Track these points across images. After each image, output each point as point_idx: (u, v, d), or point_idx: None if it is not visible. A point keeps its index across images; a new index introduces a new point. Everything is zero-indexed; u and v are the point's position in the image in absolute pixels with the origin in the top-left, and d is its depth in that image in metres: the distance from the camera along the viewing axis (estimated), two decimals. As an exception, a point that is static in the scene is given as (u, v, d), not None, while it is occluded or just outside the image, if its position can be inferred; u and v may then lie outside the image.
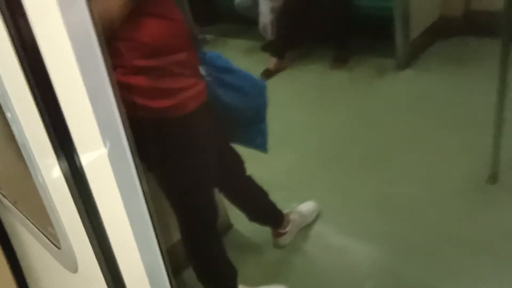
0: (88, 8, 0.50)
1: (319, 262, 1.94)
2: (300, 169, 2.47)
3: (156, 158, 1.43)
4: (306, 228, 2.09)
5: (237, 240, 2.11)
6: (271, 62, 3.46)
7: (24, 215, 1.14)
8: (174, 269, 0.75)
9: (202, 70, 1.46)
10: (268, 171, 2.22)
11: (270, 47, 3.61)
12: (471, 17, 3.19)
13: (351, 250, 1.96)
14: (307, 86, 3.28)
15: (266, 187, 1.89)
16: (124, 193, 0.62)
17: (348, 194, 2.23)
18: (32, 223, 1.09)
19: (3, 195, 1.22)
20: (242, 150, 1.75)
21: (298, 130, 2.80)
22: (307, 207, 2.13)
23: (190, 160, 1.46)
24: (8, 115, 0.77)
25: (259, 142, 1.72)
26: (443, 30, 3.24)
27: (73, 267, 0.93)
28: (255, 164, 1.85)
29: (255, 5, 3.60)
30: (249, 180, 1.84)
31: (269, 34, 3.58)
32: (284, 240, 2.02)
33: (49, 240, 0.99)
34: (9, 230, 1.42)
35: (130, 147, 0.60)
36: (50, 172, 0.76)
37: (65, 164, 0.66)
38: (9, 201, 1.20)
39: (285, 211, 2.03)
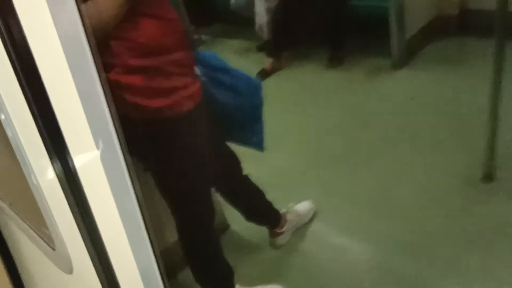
0: (77, 9, 0.50)
1: (316, 261, 1.94)
2: (296, 168, 2.47)
3: (152, 158, 1.43)
4: (302, 227, 2.09)
5: (234, 240, 2.11)
6: (267, 62, 3.46)
7: (19, 217, 1.14)
8: (169, 271, 0.75)
9: (197, 70, 1.46)
10: (264, 170, 2.22)
11: (266, 47, 3.61)
12: (466, 16, 3.20)
13: (348, 249, 1.96)
14: (303, 85, 3.29)
15: (262, 186, 1.90)
16: (116, 194, 0.62)
17: (345, 193, 2.23)
18: (27, 224, 1.09)
19: (-2, 197, 1.22)
20: (238, 149, 1.75)
21: (295, 130, 2.80)
22: (303, 206, 2.13)
23: (186, 160, 1.46)
24: (2, 117, 0.77)
25: (255, 141, 1.72)
26: (439, 29, 3.25)
27: (68, 268, 0.93)
28: (252, 163, 1.85)
29: (251, 5, 3.60)
30: (246, 180, 1.84)
31: (265, 34, 3.58)
32: (281, 239, 2.02)
33: (44, 241, 0.99)
34: (4, 232, 1.42)
35: (122, 148, 0.60)
36: (44, 173, 0.76)
37: (59, 165, 0.66)
38: (4, 203, 1.20)
39: (281, 210, 2.03)
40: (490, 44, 1.85)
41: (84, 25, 0.51)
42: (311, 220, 2.12)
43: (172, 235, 1.69)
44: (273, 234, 2.02)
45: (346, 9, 3.29)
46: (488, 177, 2.06)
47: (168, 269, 0.73)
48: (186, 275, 1.74)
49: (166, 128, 1.40)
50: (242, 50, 3.94)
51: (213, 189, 1.77)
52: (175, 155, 1.44)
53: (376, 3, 3.18)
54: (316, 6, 3.25)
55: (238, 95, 1.56)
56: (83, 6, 0.52)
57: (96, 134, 0.58)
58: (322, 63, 3.38)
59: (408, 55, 3.13)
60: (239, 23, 3.92)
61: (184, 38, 1.39)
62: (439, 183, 2.14)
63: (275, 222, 2.00)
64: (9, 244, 1.45)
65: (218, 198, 1.92)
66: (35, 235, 1.04)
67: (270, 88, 2.86)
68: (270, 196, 1.94)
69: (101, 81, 0.55)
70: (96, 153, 0.60)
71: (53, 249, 0.94)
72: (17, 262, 1.50)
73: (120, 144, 0.60)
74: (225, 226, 2.15)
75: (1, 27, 0.54)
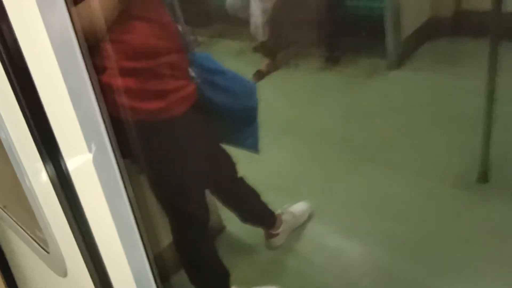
0: (68, 12, 0.50)
1: (312, 263, 1.94)
2: (292, 169, 2.47)
3: (146, 160, 1.43)
4: (298, 228, 2.09)
5: (230, 241, 2.11)
6: (263, 63, 3.46)
7: (13, 220, 1.14)
8: (163, 273, 0.75)
9: (192, 72, 1.46)
10: (260, 172, 2.21)
11: (262, 48, 3.61)
12: (461, 17, 3.21)
13: (345, 250, 1.96)
14: (299, 86, 3.29)
15: (258, 188, 1.89)
16: (109, 197, 0.62)
17: (340, 194, 2.23)
18: (21, 227, 1.09)
19: (-8, 200, 1.22)
20: (233, 151, 1.75)
21: (290, 131, 2.80)
22: (299, 207, 2.13)
23: (180, 162, 1.46)
24: (-6, 120, 0.77)
25: (250, 143, 1.72)
26: (434, 30, 3.26)
27: (62, 272, 0.92)
28: (247, 165, 1.85)
29: (247, 6, 3.60)
30: (241, 182, 1.83)
31: (260, 35, 3.58)
32: (277, 241, 2.02)
33: (38, 244, 0.99)
34: (-1, 235, 1.42)
35: (114, 151, 0.60)
36: (37, 176, 0.75)
37: (52, 168, 0.66)
38: (-2, 206, 1.19)
39: (277, 212, 2.03)
40: (484, 44, 1.86)
41: (75, 28, 0.51)
42: (307, 221, 2.12)
43: (166, 238, 1.69)
44: (269, 236, 2.02)
45: (342, 9, 3.30)
46: (483, 177, 2.07)
47: (162, 272, 0.73)
48: (180, 278, 1.74)
49: (160, 130, 1.40)
50: (238, 51, 3.94)
51: (208, 191, 1.77)
52: (169, 158, 1.44)
53: (372, 4, 3.19)
54: (312, 6, 3.25)
55: (232, 97, 1.55)
56: (74, 9, 0.52)
57: (89, 137, 0.58)
58: (317, 63, 3.39)
59: (404, 55, 3.14)
60: (235, 24, 3.92)
61: (178, 41, 1.39)
62: (434, 184, 2.14)
63: (270, 223, 2.00)
64: (3, 247, 1.44)
65: (213, 200, 1.91)
66: (29, 238, 1.03)
67: (266, 89, 2.87)
68: (266, 197, 1.94)
69: (92, 84, 0.55)
70: (89, 156, 0.60)
71: (47, 252, 0.94)
72: (11, 265, 1.49)
73: (113, 147, 0.60)
74: (221, 228, 2.15)
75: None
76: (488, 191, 2.03)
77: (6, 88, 0.61)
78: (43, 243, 0.96)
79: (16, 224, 1.12)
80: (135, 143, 1.32)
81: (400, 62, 3.12)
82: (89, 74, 0.54)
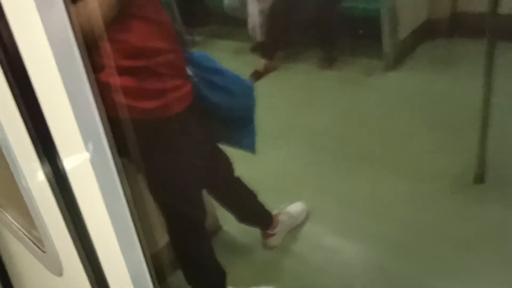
0: (66, 10, 0.50)
1: (309, 263, 1.94)
2: (289, 170, 2.47)
3: (143, 159, 1.43)
4: (295, 229, 2.09)
5: (226, 241, 2.11)
6: (260, 63, 3.46)
7: (9, 219, 1.13)
8: (160, 273, 0.75)
9: (189, 71, 1.46)
10: (257, 172, 2.21)
11: (259, 48, 3.61)
12: (458, 18, 3.22)
13: (341, 250, 1.96)
14: (296, 87, 3.29)
15: (255, 188, 1.89)
16: (106, 197, 0.62)
17: (337, 195, 2.23)
18: (17, 226, 1.09)
19: (-13, 199, 1.21)
20: (230, 151, 1.75)
21: (287, 131, 2.80)
22: (296, 208, 2.13)
23: (177, 161, 1.46)
24: (-9, 118, 0.77)
25: (247, 143, 1.72)
26: (431, 31, 3.27)
27: (58, 271, 0.92)
28: (244, 165, 1.85)
29: (244, 6, 3.60)
30: (238, 181, 1.83)
31: (258, 36, 3.59)
32: (274, 241, 2.02)
33: (34, 243, 0.98)
34: (-6, 234, 1.41)
35: (112, 150, 0.60)
36: (34, 176, 0.75)
37: (48, 168, 0.66)
38: (-6, 205, 1.19)
39: (274, 212, 2.03)
40: (481, 46, 1.86)
41: (73, 26, 0.51)
42: (304, 221, 2.12)
43: (162, 238, 1.69)
44: (266, 236, 2.02)
45: (338, 10, 3.30)
46: (480, 178, 2.07)
47: (158, 272, 0.72)
48: (177, 278, 1.73)
49: (157, 129, 1.39)
50: (235, 51, 3.94)
51: (204, 191, 1.77)
52: (166, 157, 1.44)
53: (369, 5, 3.19)
54: (309, 7, 3.25)
55: (230, 96, 1.55)
56: (72, 8, 0.52)
57: (86, 136, 0.58)
58: (314, 64, 3.39)
59: (400, 56, 3.15)
60: (233, 24, 3.92)
61: (176, 40, 1.39)
62: (430, 185, 2.14)
63: (267, 223, 2.00)
64: (0, 246, 1.44)
65: (210, 200, 1.91)
66: (25, 237, 1.03)
67: (263, 89, 2.86)
68: (263, 197, 1.94)
69: (90, 83, 0.55)
70: (86, 156, 0.60)
71: (43, 251, 0.93)
72: (6, 264, 1.49)
73: (110, 146, 0.59)
74: (218, 228, 2.15)
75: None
76: (485, 192, 2.04)
77: (3, 87, 0.60)
78: (38, 242, 0.95)
79: (11, 223, 1.11)
80: (132, 142, 1.32)
81: (396, 63, 3.13)
82: (87, 73, 0.54)
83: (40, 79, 0.57)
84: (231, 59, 3.77)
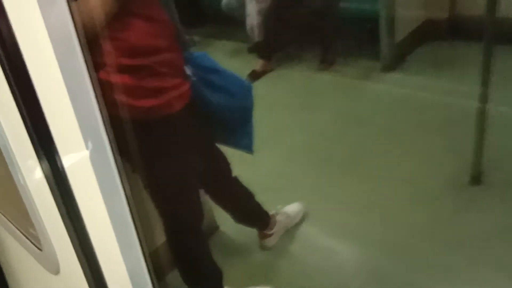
0: (68, 7, 0.50)
1: (305, 263, 1.95)
2: (286, 170, 2.47)
3: (140, 158, 1.42)
4: (292, 229, 2.10)
5: (223, 241, 2.11)
6: (258, 63, 3.47)
7: (5, 217, 1.13)
8: (158, 272, 0.74)
9: (188, 70, 1.46)
10: (254, 172, 2.21)
11: (257, 49, 3.61)
12: (455, 21, 3.23)
13: (337, 251, 1.97)
14: (293, 87, 3.29)
15: (252, 188, 1.89)
16: (106, 195, 0.62)
17: (334, 196, 2.24)
18: (13, 224, 1.08)
19: (-16, 197, 1.20)
20: (228, 151, 1.75)
21: (284, 132, 2.81)
22: (293, 208, 2.13)
23: (174, 161, 1.45)
24: (-12, 115, 0.76)
25: (244, 143, 1.71)
26: (428, 33, 3.28)
27: (55, 269, 0.91)
28: (241, 165, 1.85)
29: (243, 6, 3.60)
30: (235, 182, 1.83)
31: (256, 36, 3.59)
32: (270, 241, 2.02)
33: (30, 241, 0.98)
34: (-10, 232, 1.40)
35: (112, 148, 0.59)
36: (32, 173, 0.75)
37: (47, 165, 0.65)
38: (-10, 203, 1.18)
39: (271, 212, 2.03)
40: (478, 48, 1.87)
41: (75, 24, 0.51)
42: (300, 222, 2.12)
43: (160, 236, 1.68)
44: (262, 236, 2.02)
45: (336, 11, 3.31)
46: (476, 180, 2.08)
47: (156, 271, 0.72)
48: (175, 277, 1.73)
49: (154, 128, 1.39)
50: (233, 51, 3.94)
51: (202, 191, 1.76)
52: (164, 156, 1.43)
53: (367, 6, 3.20)
54: (307, 8, 3.26)
55: (228, 96, 1.55)
56: (73, 5, 0.52)
57: (86, 133, 0.58)
58: (312, 65, 3.39)
59: (398, 58, 3.16)
60: (231, 24, 3.92)
61: (175, 39, 1.39)
62: (427, 186, 2.15)
63: (264, 224, 2.00)
64: (-5, 244, 1.43)
65: (207, 200, 1.91)
66: (21, 235, 1.02)
67: (261, 90, 2.86)
68: (260, 198, 1.94)
69: (91, 80, 0.54)
70: (85, 153, 0.60)
71: (40, 249, 0.93)
72: (2, 262, 1.48)
73: (110, 144, 0.59)
74: (215, 228, 2.15)
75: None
76: (481, 194, 2.05)
77: (3, 83, 0.60)
78: (35, 240, 0.95)
79: (8, 221, 1.11)
80: (130, 140, 1.32)
81: (394, 65, 3.14)
82: (88, 70, 0.53)
83: (40, 76, 0.57)
84: (229, 59, 3.78)
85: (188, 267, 1.70)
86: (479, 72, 1.89)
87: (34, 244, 0.96)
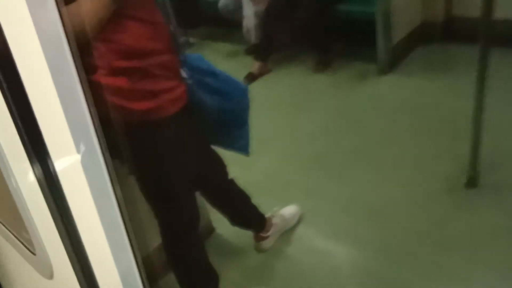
0: (58, 11, 0.49)
1: (302, 266, 1.94)
2: (282, 172, 2.47)
3: (136, 161, 1.42)
4: (288, 231, 2.09)
5: (219, 244, 2.10)
6: (254, 65, 3.47)
7: (-1, 220, 1.12)
8: (151, 277, 0.74)
9: (184, 73, 1.45)
10: (250, 174, 2.22)
11: (254, 51, 3.62)
12: (451, 23, 3.24)
13: (333, 253, 1.96)
14: (290, 89, 3.30)
15: (248, 190, 1.89)
16: (97, 198, 0.61)
17: (330, 197, 2.24)
18: (6, 228, 1.07)
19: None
20: (224, 153, 1.74)
21: (281, 134, 2.81)
22: (289, 210, 2.13)
23: (170, 163, 1.45)
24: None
25: (241, 145, 1.71)
26: (425, 36, 3.29)
27: (48, 273, 0.91)
28: (238, 167, 1.85)
29: (239, 8, 3.60)
30: (231, 184, 1.83)
31: (252, 38, 3.59)
32: (266, 243, 2.02)
33: (24, 245, 0.97)
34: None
35: (103, 152, 0.59)
36: (24, 177, 0.74)
37: (39, 169, 0.65)
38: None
39: (267, 214, 2.03)
40: (474, 50, 1.87)
41: (64, 27, 0.50)
42: (297, 224, 2.12)
43: (154, 240, 1.68)
44: (258, 238, 2.01)
45: (333, 13, 3.31)
46: (472, 182, 2.08)
47: (149, 275, 0.72)
48: (168, 281, 1.72)
49: (150, 131, 1.39)
50: (230, 53, 3.94)
51: (198, 193, 1.76)
52: (160, 159, 1.43)
53: (363, 8, 3.21)
54: (304, 10, 3.26)
55: (224, 98, 1.55)
56: (64, 8, 0.51)
57: (77, 137, 0.57)
58: (308, 67, 3.40)
59: (394, 61, 3.16)
60: (227, 26, 3.92)
61: (170, 41, 1.38)
62: (423, 188, 2.15)
63: (260, 226, 2.00)
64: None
65: (203, 202, 1.90)
66: (15, 239, 1.02)
67: (257, 92, 2.86)
68: (256, 200, 1.94)
69: (82, 83, 0.54)
70: (77, 157, 0.59)
71: (34, 253, 0.92)
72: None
73: (101, 147, 0.59)
74: (211, 230, 2.14)
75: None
76: (477, 196, 2.05)
77: (-6, 87, 0.60)
78: (29, 244, 0.94)
79: (1, 225, 1.10)
80: (125, 143, 1.31)
81: (390, 67, 3.14)
82: (78, 73, 0.53)
83: (31, 80, 0.56)
84: (225, 61, 3.78)
85: (184, 269, 1.69)
86: (475, 74, 1.90)
87: (27, 248, 0.96)
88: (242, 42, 3.76)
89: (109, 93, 1.28)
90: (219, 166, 1.75)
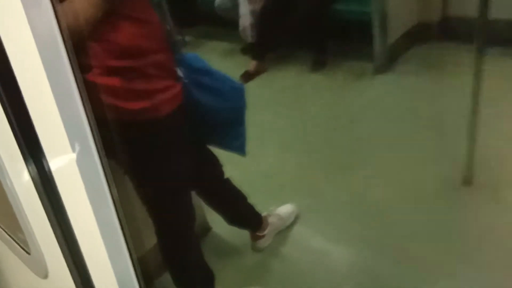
0: (53, 9, 0.49)
1: (298, 265, 1.95)
2: (278, 171, 2.47)
3: (131, 161, 1.41)
4: (284, 231, 2.09)
5: (215, 243, 2.10)
6: (250, 64, 3.46)
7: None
8: (146, 277, 0.74)
9: (179, 72, 1.45)
10: (246, 174, 2.21)
11: (250, 50, 3.61)
12: (448, 23, 3.25)
13: (329, 253, 1.97)
14: (286, 88, 3.30)
15: (244, 190, 1.89)
16: (92, 198, 0.61)
17: (326, 197, 2.24)
18: (2, 228, 1.07)
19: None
20: (220, 153, 1.74)
21: (277, 133, 2.80)
22: (285, 209, 2.13)
23: (165, 163, 1.45)
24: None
25: (237, 145, 1.71)
26: (421, 35, 3.29)
27: (43, 273, 0.91)
28: (234, 167, 1.85)
29: (235, 7, 3.59)
30: (227, 183, 1.83)
31: (249, 37, 3.58)
32: (263, 243, 2.02)
33: (18, 245, 0.97)
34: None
35: (99, 151, 0.59)
36: (19, 176, 0.74)
37: (34, 168, 0.65)
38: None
39: (263, 214, 2.03)
40: (470, 50, 1.88)
41: (60, 26, 0.50)
42: (293, 223, 2.12)
43: (149, 240, 1.67)
44: (255, 237, 2.01)
45: (329, 13, 3.31)
46: (468, 181, 2.09)
47: (145, 275, 0.72)
48: (164, 281, 1.72)
49: (145, 131, 1.38)
50: (226, 52, 3.93)
51: (194, 193, 1.75)
52: (155, 159, 1.43)
53: (359, 8, 3.21)
54: (300, 9, 3.26)
55: (220, 97, 1.55)
56: (59, 7, 0.51)
57: (72, 136, 0.57)
58: (305, 66, 3.40)
59: (390, 60, 3.17)
60: (223, 25, 3.91)
61: (165, 40, 1.38)
62: (420, 187, 2.16)
63: (257, 225, 2.00)
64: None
65: (199, 202, 1.90)
66: (9, 238, 1.01)
67: (253, 91, 2.86)
68: (252, 199, 1.94)
69: (77, 82, 0.54)
70: (72, 156, 0.59)
71: (28, 253, 0.92)
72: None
73: (97, 147, 0.58)
74: (207, 229, 2.14)
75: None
76: (473, 195, 2.06)
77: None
78: (23, 243, 0.94)
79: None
80: (120, 143, 1.31)
81: (387, 66, 3.15)
82: (73, 72, 0.53)
83: (26, 78, 0.56)
84: (222, 60, 3.77)
85: (180, 269, 1.69)
86: (470, 74, 1.90)
87: (22, 248, 0.95)
88: (238, 41, 3.76)
89: (103, 93, 1.28)
90: (215, 165, 1.75)
